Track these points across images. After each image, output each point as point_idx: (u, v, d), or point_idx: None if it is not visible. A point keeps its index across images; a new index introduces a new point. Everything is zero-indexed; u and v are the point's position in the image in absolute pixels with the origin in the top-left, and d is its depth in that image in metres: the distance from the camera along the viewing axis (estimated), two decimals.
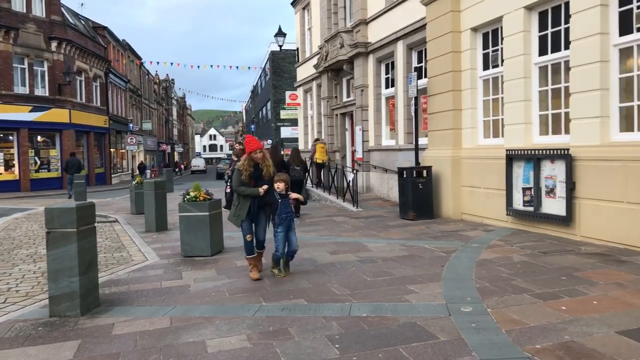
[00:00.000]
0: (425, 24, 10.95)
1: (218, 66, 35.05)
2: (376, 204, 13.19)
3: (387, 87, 14.90)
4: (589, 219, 7.07)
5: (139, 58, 46.28)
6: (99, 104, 33.38)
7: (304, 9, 21.97)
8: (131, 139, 34.26)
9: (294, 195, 5.93)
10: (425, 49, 11.19)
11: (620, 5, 6.86)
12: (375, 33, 14.83)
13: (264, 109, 49.46)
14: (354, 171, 13.49)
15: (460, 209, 9.92)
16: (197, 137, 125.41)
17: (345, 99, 17.96)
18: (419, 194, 10.14)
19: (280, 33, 21.65)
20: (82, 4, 47.14)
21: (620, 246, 6.51)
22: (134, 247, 8.62)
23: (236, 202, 5.88)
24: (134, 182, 14.29)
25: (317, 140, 17.21)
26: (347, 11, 17.20)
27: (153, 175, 39.88)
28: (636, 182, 6.34)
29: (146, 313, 4.75)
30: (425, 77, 11.20)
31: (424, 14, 11.16)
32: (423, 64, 12.34)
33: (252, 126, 59.33)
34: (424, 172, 10.29)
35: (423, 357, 3.47)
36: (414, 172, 10.29)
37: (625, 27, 6.80)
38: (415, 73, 11.33)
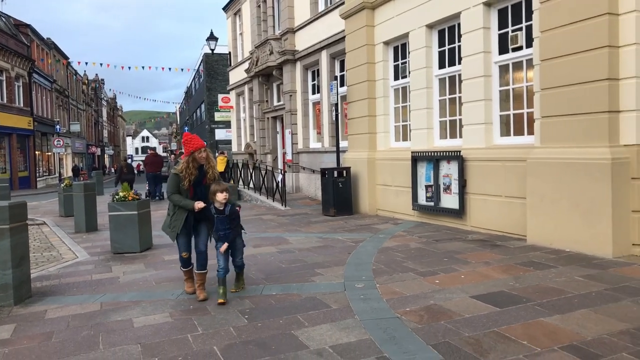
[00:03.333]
0: (345, 36, 11.90)
1: (150, 67, 34.43)
2: (304, 203, 14.00)
3: (313, 92, 15.78)
4: (477, 211, 8.22)
5: (66, 57, 44.60)
6: (21, 105, 32.06)
7: (235, 14, 22.48)
8: (58, 141, 33.11)
9: (222, 249, 4.97)
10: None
11: (499, 29, 8.06)
12: (302, 42, 15.67)
13: (198, 111, 49.17)
14: (283, 172, 14.25)
15: (376, 205, 10.93)
16: (128, 139, 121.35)
17: (275, 103, 18.68)
18: (339, 192, 11.04)
19: (212, 37, 22.01)
20: (3, 0, 44.55)
21: (499, 233, 7.68)
22: (64, 246, 8.88)
23: (171, 211, 5.13)
24: (62, 185, 14.27)
25: (221, 153, 20.19)
26: (275, 19, 17.96)
27: (82, 179, 38.64)
28: (512, 179, 7.51)
29: (77, 301, 5.24)
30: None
31: (344, 27, 12.10)
32: (345, 73, 13.29)
33: (186, 127, 58.68)
34: (344, 172, 11.20)
35: (315, 320, 4.26)
36: (335, 172, 11.18)
37: (503, 47, 8.01)
38: (336, 82, 12.24)
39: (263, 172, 15.67)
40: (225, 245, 4.97)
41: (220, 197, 4.92)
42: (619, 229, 5.82)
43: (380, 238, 7.96)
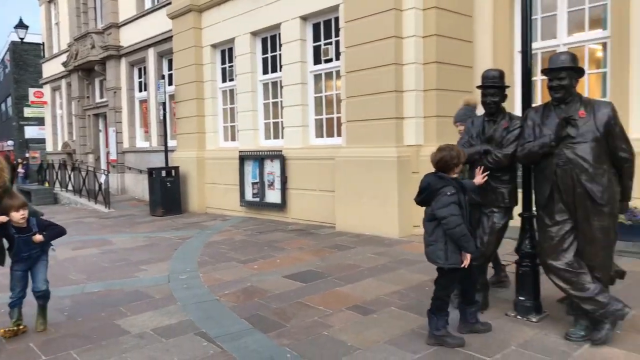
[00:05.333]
0: (173, 36, 11.91)
1: None
2: (130, 204, 13.59)
3: (140, 90, 15.35)
4: (296, 205, 9.07)
5: None
6: None
7: (49, 2, 20.56)
8: None
9: (37, 238, 3.96)
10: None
11: (314, 41, 9.04)
12: (128, 37, 15.13)
13: (2, 105, 43.19)
14: (106, 173, 13.64)
15: (205, 203, 11.21)
16: None
17: (98, 99, 17.63)
18: (167, 192, 11.05)
19: (21, 25, 19.80)
20: None
21: (315, 223, 8.62)
22: None
23: None
24: None
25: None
26: (97, 12, 16.99)
27: None
28: (324, 175, 8.47)
29: None
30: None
31: (172, 26, 12.09)
32: (173, 72, 13.25)
33: None
34: (172, 171, 11.25)
35: (137, 310, 4.48)
36: (163, 171, 11.16)
37: (317, 58, 8.99)
38: (164, 80, 12.21)
39: (84, 173, 14.77)
40: (40, 237, 3.97)
41: (17, 216, 3.86)
42: (403, 214, 7.08)
43: (207, 234, 8.31)
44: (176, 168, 11.31)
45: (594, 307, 3.39)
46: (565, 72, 3.49)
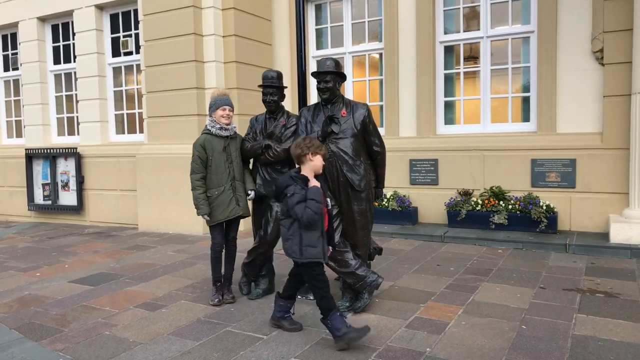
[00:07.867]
0: None
1: None
2: None
3: None
4: (95, 206, 8.48)
5: None
6: None
7: None
8: None
9: None
10: None
11: (112, 33, 8.54)
12: None
13: None
14: None
15: None
16: None
17: None
18: None
19: None
20: None
21: (116, 225, 8.17)
22: None
23: None
24: None
25: None
26: None
27: None
28: (126, 174, 8.08)
29: None
30: None
31: None
32: None
33: None
34: None
35: None
36: None
37: (116, 50, 8.52)
38: None
39: None
40: None
41: None
42: None
43: None
44: None
45: (354, 280, 3.91)
46: (330, 75, 3.95)
